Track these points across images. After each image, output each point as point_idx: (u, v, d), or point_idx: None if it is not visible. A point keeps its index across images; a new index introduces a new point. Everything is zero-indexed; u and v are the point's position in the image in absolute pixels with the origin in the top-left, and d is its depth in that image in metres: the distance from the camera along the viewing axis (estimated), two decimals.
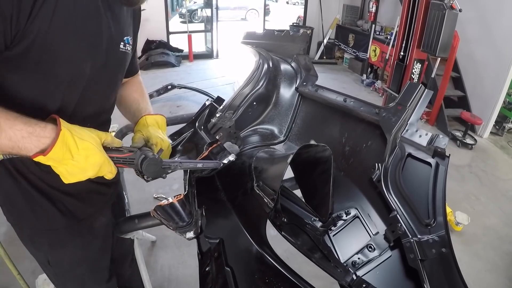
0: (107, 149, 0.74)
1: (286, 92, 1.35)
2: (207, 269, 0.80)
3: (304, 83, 1.30)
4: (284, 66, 1.39)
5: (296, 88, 1.32)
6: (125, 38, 0.85)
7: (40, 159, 0.63)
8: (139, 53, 6.26)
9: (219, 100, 1.26)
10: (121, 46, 0.84)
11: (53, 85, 0.72)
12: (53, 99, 0.73)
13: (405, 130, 0.94)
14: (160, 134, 0.94)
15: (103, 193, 1.00)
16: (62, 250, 0.96)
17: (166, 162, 0.79)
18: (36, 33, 0.62)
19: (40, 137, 0.63)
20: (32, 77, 0.68)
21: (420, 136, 0.92)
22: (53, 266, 0.99)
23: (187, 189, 0.81)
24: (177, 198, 0.76)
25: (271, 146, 1.26)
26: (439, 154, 0.86)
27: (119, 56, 0.85)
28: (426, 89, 0.98)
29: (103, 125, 0.94)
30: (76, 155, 0.66)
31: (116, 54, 0.83)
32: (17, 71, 0.66)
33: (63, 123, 0.66)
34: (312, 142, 0.89)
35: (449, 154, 0.85)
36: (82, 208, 0.93)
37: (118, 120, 1.13)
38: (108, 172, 0.73)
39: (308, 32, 1.53)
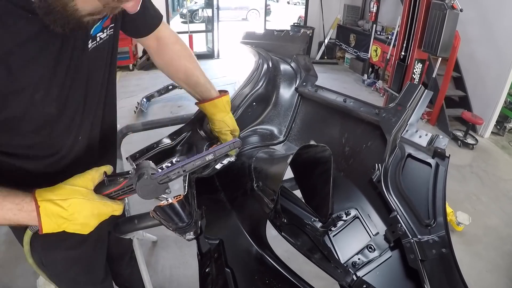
0: (101, 187, 0.70)
1: (286, 93, 1.35)
2: (207, 270, 0.80)
3: (304, 84, 1.30)
4: (283, 66, 1.39)
5: (296, 89, 1.32)
6: (92, 32, 0.75)
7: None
8: (140, 53, 6.27)
9: None
10: (89, 43, 0.76)
11: (20, 135, 0.71)
12: (36, 146, 0.74)
13: (405, 131, 0.94)
14: (235, 123, 1.04)
15: None
16: (55, 251, 0.95)
17: (163, 173, 0.69)
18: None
19: (29, 211, 0.63)
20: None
21: (420, 136, 0.92)
22: (47, 267, 0.98)
23: (186, 189, 0.81)
24: (176, 198, 0.75)
25: (270, 147, 1.26)
26: (439, 154, 0.86)
27: (93, 54, 0.78)
28: (426, 90, 0.98)
29: (111, 133, 0.95)
30: (68, 216, 0.65)
31: (86, 55, 0.76)
32: None
33: (38, 194, 0.64)
34: (312, 142, 0.88)
35: (449, 155, 0.85)
36: None
37: (118, 121, 1.13)
38: (112, 212, 0.70)
39: (308, 32, 1.53)
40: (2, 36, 0.57)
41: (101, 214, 0.68)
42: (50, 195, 0.64)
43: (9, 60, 0.59)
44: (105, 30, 0.80)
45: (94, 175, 0.70)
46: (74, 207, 0.65)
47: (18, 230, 0.92)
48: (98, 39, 0.78)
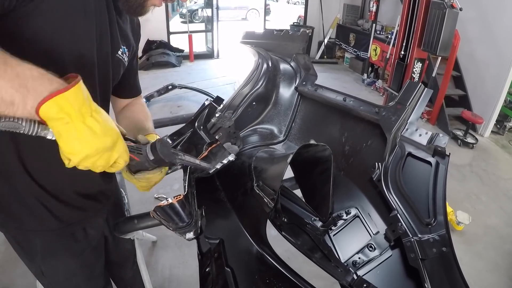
0: None
1: (286, 92, 1.34)
2: (207, 269, 0.80)
3: (304, 83, 1.30)
4: (283, 66, 1.39)
5: (296, 88, 1.32)
6: (122, 46, 0.86)
7: (49, 105, 0.51)
8: (140, 53, 6.27)
9: (218, 100, 1.25)
10: (119, 52, 0.85)
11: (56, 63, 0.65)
12: None
13: (405, 129, 0.94)
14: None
15: (99, 200, 0.97)
16: (54, 259, 0.92)
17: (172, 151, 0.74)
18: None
19: (52, 80, 0.52)
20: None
21: (420, 135, 0.91)
22: (47, 276, 0.95)
23: (186, 189, 0.81)
24: (176, 198, 0.75)
25: (270, 146, 1.25)
26: (439, 153, 0.86)
27: (115, 62, 0.85)
28: (426, 88, 0.98)
29: None
30: (94, 112, 0.56)
31: (113, 58, 0.83)
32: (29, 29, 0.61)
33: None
34: (312, 141, 0.88)
35: (449, 153, 0.85)
36: (74, 213, 0.90)
37: None
38: (124, 151, 0.63)
39: (307, 31, 1.52)
40: None
41: (117, 143, 0.60)
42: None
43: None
44: (123, 55, 0.87)
45: None
46: (101, 114, 0.58)
47: (7, 232, 0.91)
48: (121, 55, 0.86)
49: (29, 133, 0.54)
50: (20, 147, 0.75)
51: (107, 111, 0.91)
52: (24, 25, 0.61)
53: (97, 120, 0.56)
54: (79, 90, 0.54)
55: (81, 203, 0.91)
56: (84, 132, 0.54)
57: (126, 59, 0.89)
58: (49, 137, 0.56)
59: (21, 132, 0.53)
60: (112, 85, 0.90)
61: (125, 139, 0.70)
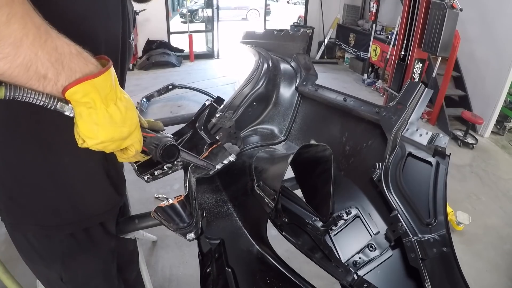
0: None
1: (286, 92, 1.34)
2: (208, 270, 0.80)
3: (304, 83, 1.30)
4: (283, 66, 1.39)
5: (296, 88, 1.32)
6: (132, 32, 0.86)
7: (77, 89, 0.51)
8: (140, 53, 6.27)
9: (219, 100, 1.25)
10: (131, 37, 0.84)
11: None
12: None
13: (405, 129, 0.94)
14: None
15: (119, 192, 0.92)
16: (75, 262, 0.87)
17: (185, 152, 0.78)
18: None
19: (88, 60, 0.53)
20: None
21: (421, 135, 0.91)
22: (66, 283, 0.89)
23: (187, 189, 0.81)
24: (177, 199, 0.75)
25: (271, 146, 1.26)
26: (440, 153, 0.86)
27: (130, 46, 0.84)
28: (426, 88, 0.98)
29: None
30: (118, 100, 0.57)
31: (128, 42, 0.82)
32: None
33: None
34: (313, 141, 0.88)
35: (450, 153, 0.85)
36: (98, 203, 0.86)
37: None
38: (138, 140, 0.64)
39: (308, 31, 1.53)
40: None
41: (136, 130, 0.62)
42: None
43: None
44: (132, 42, 0.85)
45: None
46: (127, 102, 0.59)
47: (22, 234, 0.83)
48: (132, 41, 0.84)
49: (47, 106, 0.52)
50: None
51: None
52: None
53: (119, 109, 0.56)
54: (109, 76, 0.54)
55: (108, 190, 0.87)
56: (104, 119, 0.55)
57: (133, 46, 0.89)
58: (67, 113, 0.55)
59: (38, 103, 0.51)
60: (126, 70, 0.86)
61: (144, 130, 0.70)
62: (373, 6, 5.89)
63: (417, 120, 0.96)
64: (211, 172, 0.94)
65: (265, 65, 1.34)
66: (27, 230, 0.80)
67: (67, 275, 0.88)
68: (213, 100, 1.26)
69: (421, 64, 4.00)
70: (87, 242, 0.87)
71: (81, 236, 0.85)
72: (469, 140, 3.89)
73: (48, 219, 0.79)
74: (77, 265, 0.89)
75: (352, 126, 1.13)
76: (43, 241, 0.82)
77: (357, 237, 0.91)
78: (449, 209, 2.51)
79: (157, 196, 2.60)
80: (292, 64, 1.39)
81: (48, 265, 0.86)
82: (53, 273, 0.87)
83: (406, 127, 0.94)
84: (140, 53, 6.27)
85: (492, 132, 4.23)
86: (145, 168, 1.05)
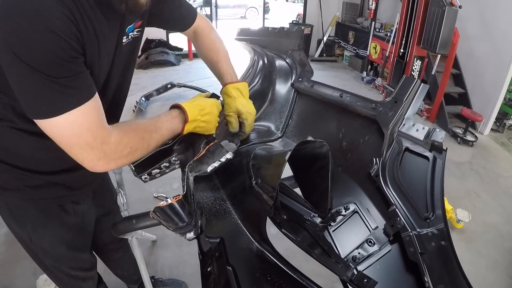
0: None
1: (282, 88, 1.34)
2: (208, 269, 0.79)
3: (300, 79, 1.29)
4: (279, 62, 1.39)
5: (292, 84, 1.31)
6: (128, 27, 0.87)
7: (186, 128, 0.91)
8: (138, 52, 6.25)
9: (214, 97, 1.25)
10: (124, 39, 0.86)
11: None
12: None
13: (402, 125, 0.94)
14: (245, 107, 1.10)
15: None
16: (43, 228, 1.04)
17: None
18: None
19: (173, 117, 0.90)
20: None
21: (417, 130, 0.91)
22: (35, 244, 1.07)
23: (185, 189, 0.81)
24: (176, 198, 0.74)
25: (268, 143, 1.25)
26: (436, 148, 0.86)
27: (124, 48, 0.88)
28: (422, 83, 0.98)
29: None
30: (201, 117, 0.94)
31: (121, 48, 0.86)
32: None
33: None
34: (310, 138, 0.88)
35: (446, 148, 0.85)
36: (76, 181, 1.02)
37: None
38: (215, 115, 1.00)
39: (303, 28, 1.52)
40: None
41: (215, 106, 1.00)
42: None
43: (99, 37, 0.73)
44: (135, 30, 0.91)
45: None
46: (207, 113, 0.96)
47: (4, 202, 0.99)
48: (130, 37, 0.89)
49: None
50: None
51: (127, 87, 1.06)
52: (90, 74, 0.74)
53: (204, 120, 0.96)
54: (192, 115, 0.92)
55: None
56: (199, 124, 0.96)
57: (136, 31, 0.92)
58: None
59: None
60: (133, 64, 1.03)
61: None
62: (372, 4, 5.88)
63: (414, 115, 0.96)
64: (208, 170, 0.93)
65: (261, 62, 1.34)
66: (8, 196, 0.97)
67: (35, 237, 1.05)
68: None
69: (420, 62, 3.99)
70: (58, 214, 1.05)
71: (54, 208, 1.03)
72: (469, 137, 3.88)
73: (27, 193, 0.95)
74: (44, 231, 1.05)
75: (349, 122, 1.13)
76: (18, 208, 1.00)
77: (356, 232, 0.91)
78: (449, 207, 2.51)
79: (156, 196, 2.60)
80: (288, 60, 1.38)
81: (20, 226, 1.04)
82: (25, 233, 1.04)
83: (403, 122, 0.94)
84: (139, 53, 6.26)
85: (491, 129, 4.22)
86: (142, 168, 1.04)
